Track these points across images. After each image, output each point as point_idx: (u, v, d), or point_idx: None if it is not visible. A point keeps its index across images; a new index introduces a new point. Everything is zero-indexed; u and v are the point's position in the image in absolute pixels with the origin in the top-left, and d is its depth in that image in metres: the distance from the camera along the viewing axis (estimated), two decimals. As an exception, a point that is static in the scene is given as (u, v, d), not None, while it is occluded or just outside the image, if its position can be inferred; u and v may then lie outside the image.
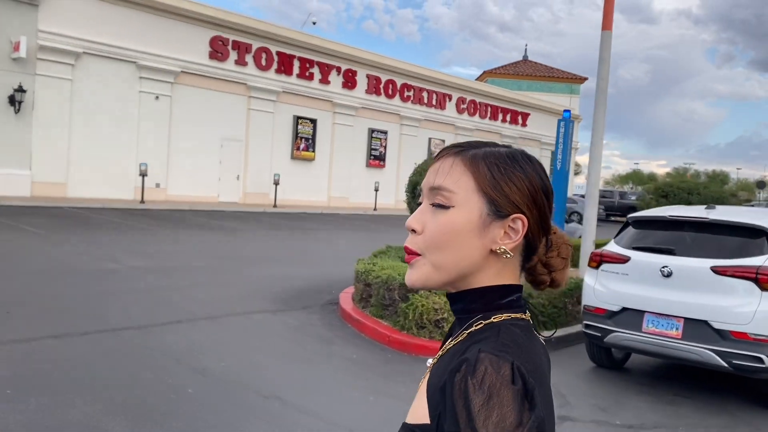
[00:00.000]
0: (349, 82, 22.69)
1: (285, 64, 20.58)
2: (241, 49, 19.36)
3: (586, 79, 36.56)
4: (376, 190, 23.07)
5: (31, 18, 15.18)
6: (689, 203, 10.49)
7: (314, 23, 26.69)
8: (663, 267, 4.53)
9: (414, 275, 0.83)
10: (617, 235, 5.17)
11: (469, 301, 0.83)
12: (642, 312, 4.62)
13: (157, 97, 17.54)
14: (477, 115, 28.21)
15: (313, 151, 21.88)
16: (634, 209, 27.80)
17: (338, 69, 22.27)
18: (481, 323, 0.80)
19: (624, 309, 4.73)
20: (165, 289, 6.98)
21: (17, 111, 14.97)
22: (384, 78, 23.94)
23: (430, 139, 26.09)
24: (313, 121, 21.72)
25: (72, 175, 16.10)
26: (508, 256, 0.81)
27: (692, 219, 4.72)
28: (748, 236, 4.46)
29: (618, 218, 29.32)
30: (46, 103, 15.49)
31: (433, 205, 0.82)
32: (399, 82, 24.53)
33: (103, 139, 16.59)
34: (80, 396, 3.85)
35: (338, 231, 15.24)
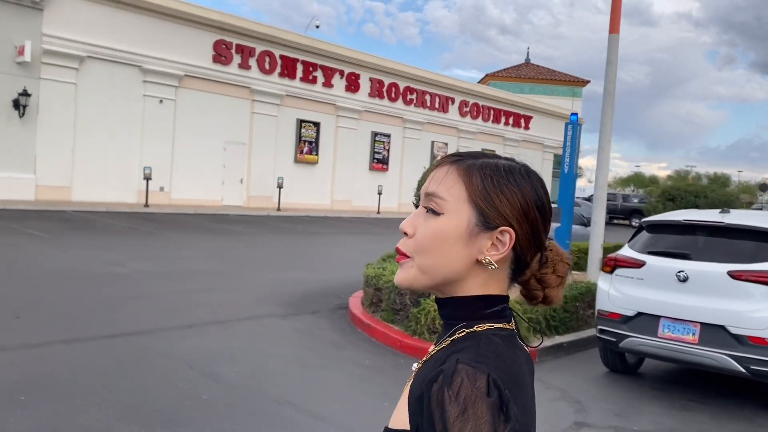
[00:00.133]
0: (352, 85, 22.69)
1: (288, 68, 20.59)
2: (245, 52, 19.37)
3: (588, 82, 36.57)
4: (379, 193, 23.06)
5: (35, 22, 15.20)
6: (696, 206, 10.46)
7: (318, 26, 26.71)
8: (679, 272, 4.50)
9: (401, 275, 0.86)
10: (631, 239, 5.14)
11: (454, 309, 0.85)
12: (658, 317, 4.58)
13: (161, 101, 17.54)
14: (480, 118, 28.20)
15: (317, 155, 21.87)
16: (637, 212, 27.81)
17: (341, 72, 22.28)
18: (464, 331, 0.81)
19: (639, 314, 4.69)
20: (174, 294, 6.95)
21: (22, 115, 14.97)
22: (387, 81, 23.94)
23: (433, 142, 26.09)
24: (317, 125, 21.72)
25: (76, 179, 16.09)
26: (493, 267, 0.82)
27: (707, 223, 4.69)
28: (765, 240, 4.43)
29: (621, 221, 29.28)
30: (51, 107, 15.49)
31: (427, 210, 0.84)
32: (402, 85, 24.53)
33: (107, 143, 16.59)
34: (93, 402, 3.82)
35: (342, 235, 15.22)
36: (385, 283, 6.13)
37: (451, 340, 0.82)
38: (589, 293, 6.45)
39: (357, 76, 22.79)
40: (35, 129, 15.32)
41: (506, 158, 0.87)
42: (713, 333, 4.33)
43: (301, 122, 21.24)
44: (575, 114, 9.54)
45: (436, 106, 26.15)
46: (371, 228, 17.43)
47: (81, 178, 16.13)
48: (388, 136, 24.41)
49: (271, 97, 20.17)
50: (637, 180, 66.50)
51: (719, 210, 5.10)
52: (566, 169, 9.35)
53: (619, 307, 4.81)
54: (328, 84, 21.86)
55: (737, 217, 4.73)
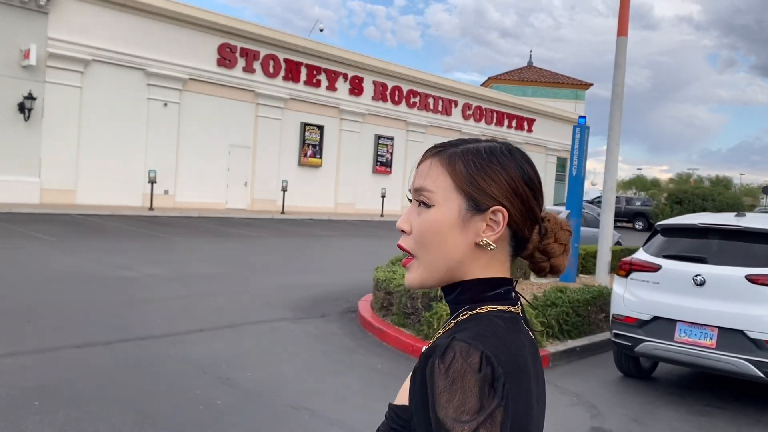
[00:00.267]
0: (356, 88, 22.70)
1: (292, 71, 20.60)
2: (249, 56, 19.38)
3: (591, 85, 36.57)
4: (383, 196, 23.04)
5: (40, 26, 15.22)
6: (704, 209, 10.43)
7: (321, 30, 26.74)
8: (696, 276, 4.47)
9: (410, 277, 0.87)
10: (646, 242, 5.11)
11: (458, 293, 0.86)
12: (674, 321, 4.55)
13: (165, 104, 17.55)
14: (483, 121, 28.20)
15: (320, 158, 21.87)
16: (641, 215, 27.75)
17: (345, 76, 22.29)
18: (468, 314, 0.82)
19: (655, 318, 4.66)
20: (183, 298, 6.93)
21: (27, 118, 14.98)
22: (390, 84, 23.95)
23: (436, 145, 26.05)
24: (320, 128, 21.72)
25: (81, 182, 16.09)
26: (492, 247, 0.83)
27: (724, 227, 4.66)
28: (782, 244, 4.40)
29: (624, 224, 29.20)
30: (56, 110, 15.50)
31: (419, 205, 0.86)
32: (405, 88, 24.54)
33: (112, 146, 16.59)
34: (108, 407, 3.80)
35: (347, 238, 15.19)
36: (396, 287, 6.11)
37: (455, 323, 0.83)
38: (601, 297, 6.42)
39: (360, 80, 22.80)
40: (40, 132, 15.33)
41: (487, 140, 0.87)
42: (731, 337, 4.30)
43: (304, 125, 21.25)
44: (583, 117, 9.52)
45: (439, 109, 26.15)
46: (375, 231, 17.40)
47: (85, 181, 16.13)
48: (392, 139, 24.41)
49: (275, 100, 20.18)
50: (639, 183, 66.40)
51: (734, 213, 5.07)
52: (574, 172, 9.33)
53: (635, 311, 4.78)
54: (331, 87, 21.87)
55: (754, 221, 4.70)
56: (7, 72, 14.76)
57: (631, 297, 4.83)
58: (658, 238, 5.02)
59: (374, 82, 23.35)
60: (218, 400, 4.07)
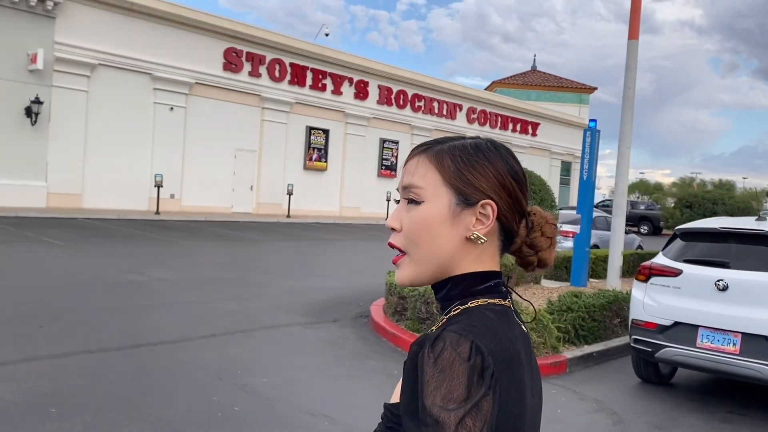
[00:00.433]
0: (361, 92, 22.70)
1: (298, 76, 20.61)
2: (255, 60, 19.40)
3: (595, 88, 36.53)
4: (388, 200, 23.00)
5: (48, 30, 15.24)
6: (715, 213, 10.36)
7: (327, 34, 26.77)
8: (718, 280, 4.41)
9: (401, 274, 0.87)
10: (665, 247, 5.05)
11: (449, 289, 0.86)
12: (696, 327, 4.49)
13: (171, 109, 17.55)
14: (487, 124, 28.18)
15: (326, 162, 21.85)
16: (646, 219, 27.65)
17: (350, 80, 22.29)
18: (459, 308, 0.83)
19: (676, 323, 4.60)
20: (194, 302, 6.88)
21: (34, 123, 14.99)
22: (395, 89, 23.95)
23: (441, 149, 26.04)
24: (326, 132, 21.72)
25: (87, 186, 16.09)
26: (483, 241, 0.84)
27: (746, 231, 4.60)
28: (806, 248, 4.33)
29: (629, 227, 29.06)
30: (62, 114, 15.51)
31: (408, 202, 0.86)
32: (410, 92, 24.54)
33: (118, 150, 16.59)
34: (125, 414, 3.75)
35: (354, 241, 15.15)
36: (410, 292, 6.05)
37: (447, 318, 0.83)
38: (616, 301, 6.35)
39: (366, 84, 22.80)
40: (47, 136, 15.34)
41: (472, 137, 0.89)
42: (755, 343, 4.23)
43: (310, 129, 21.24)
44: (594, 120, 9.48)
45: (444, 113, 26.14)
46: (381, 234, 17.35)
47: (92, 185, 16.12)
48: (396, 142, 24.39)
49: (280, 104, 20.18)
50: (642, 187, 66.25)
51: (755, 217, 5.00)
52: (585, 175, 9.27)
53: (655, 317, 4.71)
54: (337, 91, 21.87)
55: (776, 225, 4.63)
56: (15, 76, 14.78)
57: (651, 302, 4.77)
58: (678, 243, 4.96)
59: (379, 86, 23.35)
60: (236, 406, 4.02)
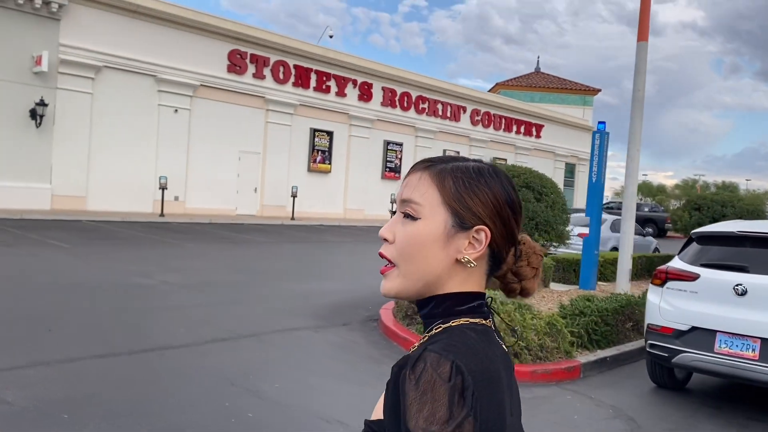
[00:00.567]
0: (365, 94, 22.67)
1: (302, 78, 20.58)
2: (259, 62, 19.37)
3: (599, 90, 36.47)
4: (392, 201, 22.94)
5: (52, 32, 15.23)
6: (724, 216, 10.28)
7: (331, 36, 26.76)
8: (737, 285, 4.35)
9: (388, 285, 0.88)
10: (681, 251, 4.99)
11: (432, 307, 0.87)
12: (714, 332, 4.43)
13: (176, 111, 17.53)
14: (491, 126, 28.13)
15: (329, 164, 21.82)
16: (650, 221, 27.52)
17: (354, 82, 22.26)
18: (440, 327, 0.84)
19: (693, 328, 4.54)
20: (202, 306, 6.83)
21: (39, 125, 14.97)
22: (399, 90, 23.92)
23: (444, 150, 25.97)
24: (330, 134, 21.68)
25: (91, 189, 16.06)
26: (472, 265, 0.85)
27: (764, 235, 4.53)
28: (827, 252, 4.27)
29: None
30: (67, 116, 15.49)
31: (404, 216, 0.86)
32: (414, 94, 24.50)
33: (123, 153, 16.56)
34: (138, 420, 3.70)
35: (360, 244, 15.09)
36: (420, 296, 6.00)
37: (429, 336, 0.84)
38: (629, 305, 6.30)
39: (370, 86, 22.77)
40: (51, 139, 15.32)
41: (474, 160, 0.90)
42: (775, 349, 4.17)
43: (314, 131, 21.21)
44: (603, 122, 9.42)
45: (448, 115, 26.09)
46: (386, 237, 17.27)
47: (96, 187, 16.10)
48: (401, 144, 24.35)
49: (285, 106, 20.16)
50: (644, 189, 66.16)
51: (772, 221, 4.94)
52: (594, 178, 9.22)
53: (672, 322, 4.65)
54: (341, 93, 21.84)
55: (795, 229, 4.58)
56: (19, 78, 14.77)
57: (667, 306, 4.71)
58: (694, 246, 4.90)
59: (383, 88, 23.32)
60: (249, 412, 3.97)
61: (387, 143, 23.86)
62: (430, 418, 0.71)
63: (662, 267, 4.88)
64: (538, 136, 30.56)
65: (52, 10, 15.01)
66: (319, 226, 18.80)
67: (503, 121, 28.71)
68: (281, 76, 19.99)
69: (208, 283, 8.14)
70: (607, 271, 10.37)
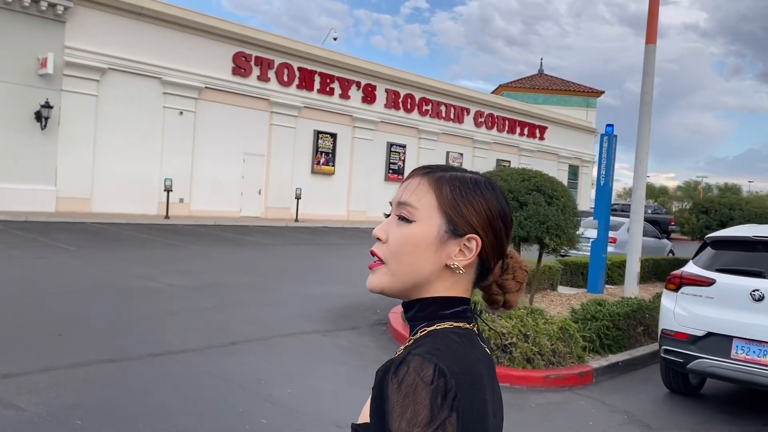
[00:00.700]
0: (369, 96, 22.67)
1: (306, 80, 20.58)
2: (264, 64, 19.38)
3: (602, 92, 36.44)
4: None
5: (58, 35, 15.25)
6: (731, 219, 10.24)
7: (335, 39, 26.76)
8: (754, 290, 4.31)
9: (374, 281, 0.89)
10: (695, 255, 4.95)
11: (418, 310, 0.88)
12: (730, 337, 4.39)
13: (181, 113, 17.54)
14: (495, 128, 28.10)
15: (333, 166, 21.81)
16: (654, 223, 27.44)
17: (358, 84, 22.26)
18: (425, 330, 0.85)
19: (709, 334, 4.50)
20: (210, 309, 6.81)
21: (44, 127, 14.98)
22: (403, 92, 23.91)
23: (448, 152, 25.98)
24: (333, 136, 21.68)
25: (96, 191, 16.06)
26: (461, 271, 0.87)
27: (781, 239, 4.50)
28: (844, 258, 4.23)
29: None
30: (72, 118, 15.50)
31: (399, 218, 0.88)
32: (417, 96, 24.49)
33: (128, 155, 16.57)
34: (152, 426, 3.67)
35: (364, 246, 15.05)
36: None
37: (413, 339, 0.85)
38: (640, 310, 6.26)
39: (373, 88, 22.77)
40: (56, 141, 15.32)
41: (472, 172, 0.93)
42: (793, 355, 4.13)
43: (318, 133, 21.21)
44: (611, 125, 9.39)
45: (452, 116, 26.07)
46: (391, 240, 17.24)
47: (101, 189, 16.10)
48: (404, 146, 24.33)
49: (289, 108, 20.16)
50: (647, 191, 66.00)
51: (788, 225, 4.90)
52: (602, 181, 9.18)
53: (687, 327, 4.62)
54: (345, 95, 21.84)
55: (811, 233, 4.54)
56: (25, 81, 14.78)
57: (682, 312, 4.67)
58: (708, 251, 4.87)
59: (387, 90, 23.31)
60: (263, 418, 3.94)
61: (390, 145, 23.85)
62: (413, 420, 0.72)
63: (677, 272, 4.85)
64: (541, 138, 30.53)
65: (57, 12, 15.03)
66: (323, 228, 18.78)
67: (507, 122, 28.68)
68: (285, 78, 19.99)
69: (214, 286, 8.12)
70: (615, 274, 10.34)
